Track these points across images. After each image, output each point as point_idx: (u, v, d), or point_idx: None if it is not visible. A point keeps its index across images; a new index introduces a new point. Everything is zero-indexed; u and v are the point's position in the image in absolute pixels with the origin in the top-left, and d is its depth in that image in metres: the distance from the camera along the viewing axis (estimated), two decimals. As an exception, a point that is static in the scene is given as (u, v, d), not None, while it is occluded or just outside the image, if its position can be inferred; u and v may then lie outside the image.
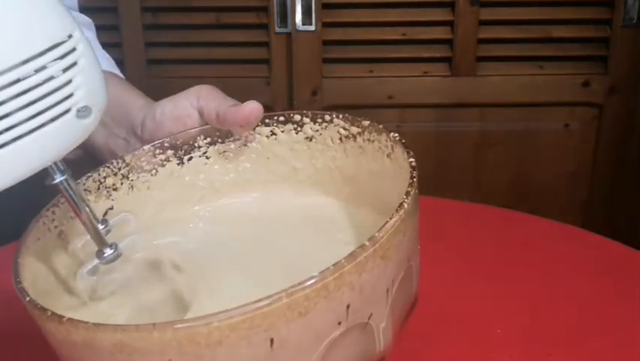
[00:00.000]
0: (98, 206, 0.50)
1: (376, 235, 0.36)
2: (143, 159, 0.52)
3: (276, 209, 0.54)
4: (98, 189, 0.50)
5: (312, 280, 0.34)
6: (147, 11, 1.45)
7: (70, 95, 0.37)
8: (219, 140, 0.54)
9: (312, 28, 1.43)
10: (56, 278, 0.46)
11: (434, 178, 1.53)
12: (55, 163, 0.39)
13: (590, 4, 1.44)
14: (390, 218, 0.37)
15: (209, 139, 0.54)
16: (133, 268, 0.47)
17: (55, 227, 0.46)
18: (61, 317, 0.35)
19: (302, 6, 1.41)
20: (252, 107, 0.51)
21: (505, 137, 1.52)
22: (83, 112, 0.38)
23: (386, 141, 0.48)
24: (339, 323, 0.36)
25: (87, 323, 0.34)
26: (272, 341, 0.34)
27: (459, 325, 0.53)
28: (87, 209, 0.42)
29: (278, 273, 0.47)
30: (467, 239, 0.66)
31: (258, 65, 1.48)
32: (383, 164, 0.48)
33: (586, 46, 1.46)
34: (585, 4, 1.44)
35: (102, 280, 0.47)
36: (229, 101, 0.53)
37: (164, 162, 0.53)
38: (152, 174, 0.53)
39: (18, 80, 0.34)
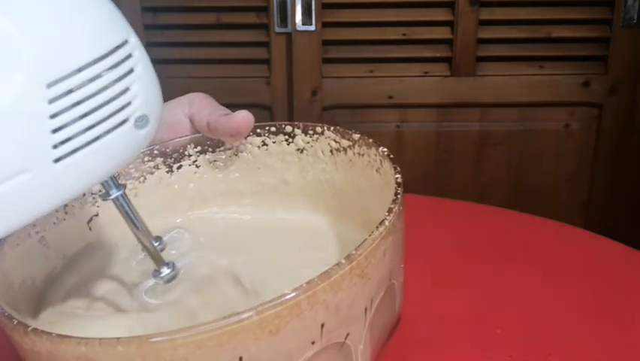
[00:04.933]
0: (83, 212, 0.49)
1: (353, 252, 0.35)
2: (131, 165, 0.52)
3: (265, 221, 0.53)
4: (84, 195, 0.49)
5: (284, 298, 0.33)
6: (147, 11, 1.45)
7: (127, 105, 0.35)
8: (210, 149, 0.53)
9: (312, 28, 1.43)
10: (37, 285, 0.45)
11: (434, 178, 1.53)
12: (110, 178, 0.38)
13: (590, 4, 1.44)
14: (370, 235, 0.36)
15: (199, 148, 0.53)
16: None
17: (37, 233, 0.45)
18: (26, 326, 0.34)
19: (302, 6, 1.41)
20: (243, 117, 0.50)
21: (505, 137, 1.52)
22: (141, 121, 0.36)
23: (375, 155, 0.47)
24: (313, 343, 0.35)
25: (51, 334, 0.33)
26: (240, 359, 0.33)
27: (459, 325, 0.53)
28: (145, 226, 0.40)
29: (256, 287, 0.46)
30: (467, 239, 0.66)
31: (258, 65, 1.48)
32: (372, 178, 0.48)
33: (586, 46, 1.46)
34: (585, 4, 1.44)
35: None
36: (221, 110, 0.52)
37: (153, 170, 0.53)
38: (140, 182, 0.52)
39: (72, 90, 0.32)
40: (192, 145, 0.53)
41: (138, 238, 0.40)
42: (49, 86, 0.32)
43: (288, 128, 0.52)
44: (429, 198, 0.75)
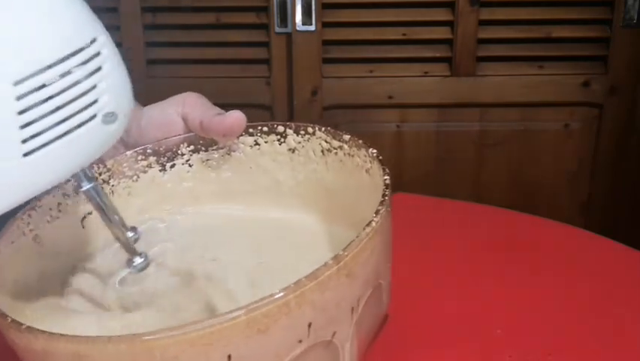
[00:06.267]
0: (77, 210, 0.49)
1: (340, 253, 0.36)
2: (124, 164, 0.52)
3: (257, 220, 0.54)
4: (77, 193, 0.49)
5: (273, 298, 0.33)
6: (147, 11, 1.45)
7: (95, 102, 0.36)
8: (203, 148, 0.54)
9: (312, 28, 1.43)
10: (30, 283, 0.45)
11: (434, 178, 1.53)
12: (82, 170, 0.39)
13: (590, 4, 1.44)
14: (357, 236, 0.37)
15: (192, 147, 0.53)
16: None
17: (31, 230, 0.46)
18: (20, 324, 0.35)
19: (302, 6, 1.41)
20: (236, 117, 0.51)
21: (505, 137, 1.52)
22: (109, 118, 0.37)
23: (365, 156, 0.47)
24: (300, 341, 0.36)
25: (45, 332, 0.34)
26: (229, 357, 0.34)
27: (459, 325, 0.53)
28: (117, 217, 0.41)
29: (246, 286, 0.46)
30: (467, 239, 0.66)
31: (258, 65, 1.48)
32: (362, 179, 0.48)
33: (586, 46, 1.46)
34: (585, 4, 1.44)
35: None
36: (214, 110, 0.52)
37: (146, 169, 0.53)
38: (133, 180, 0.53)
39: (43, 86, 0.33)
40: (185, 144, 0.54)
41: (110, 229, 0.42)
42: (16, 83, 0.33)
43: (280, 129, 0.52)
44: (429, 198, 0.75)
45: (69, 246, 0.49)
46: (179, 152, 0.53)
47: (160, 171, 0.53)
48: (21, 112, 0.33)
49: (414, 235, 0.67)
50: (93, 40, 0.36)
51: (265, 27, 1.45)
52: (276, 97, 1.49)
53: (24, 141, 0.33)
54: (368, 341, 0.43)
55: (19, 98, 0.33)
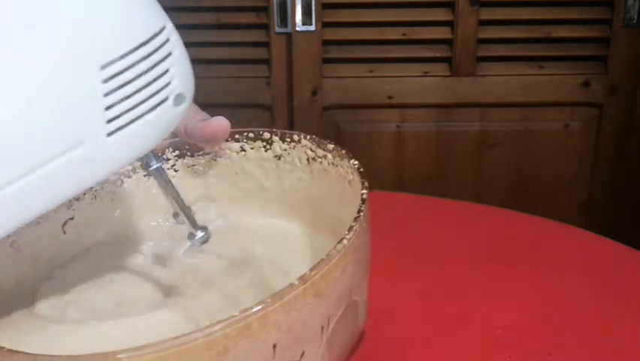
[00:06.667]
0: (58, 216, 0.49)
1: (307, 273, 0.35)
2: None
3: (240, 227, 0.53)
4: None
5: (232, 320, 0.32)
6: (147, 11, 1.45)
7: (167, 84, 0.39)
8: (188, 153, 0.54)
9: (312, 28, 1.43)
10: (5, 289, 0.45)
11: (434, 178, 1.53)
12: (151, 151, 0.41)
13: (590, 4, 1.44)
14: (327, 255, 0.36)
15: (177, 152, 0.53)
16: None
17: (8, 236, 0.44)
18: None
19: (302, 6, 1.41)
20: (219, 123, 0.51)
21: (505, 137, 1.52)
22: (179, 99, 0.40)
23: (347, 167, 0.47)
24: None
25: (2, 348, 0.33)
26: None
27: (459, 325, 0.53)
28: (178, 195, 0.44)
29: (223, 293, 0.46)
30: (467, 239, 0.66)
31: (258, 65, 1.48)
32: (344, 190, 0.48)
33: (586, 46, 1.46)
34: (585, 4, 1.44)
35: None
36: (199, 115, 0.52)
37: (131, 173, 0.53)
38: (117, 185, 0.52)
39: (125, 70, 0.36)
40: (171, 149, 0.54)
41: (175, 203, 0.44)
42: (103, 67, 0.36)
43: (266, 135, 0.53)
44: (429, 198, 0.75)
45: (48, 252, 0.48)
46: (164, 157, 0.53)
47: (145, 176, 0.53)
48: (106, 94, 0.36)
49: (414, 235, 0.67)
50: (163, 28, 0.39)
51: (265, 27, 1.45)
52: (276, 97, 1.49)
53: (108, 122, 0.36)
54: (343, 358, 0.42)
55: (105, 80, 0.36)
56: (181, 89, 0.39)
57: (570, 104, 1.49)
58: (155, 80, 0.38)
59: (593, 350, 0.50)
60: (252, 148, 0.53)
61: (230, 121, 0.54)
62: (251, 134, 0.53)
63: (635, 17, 1.41)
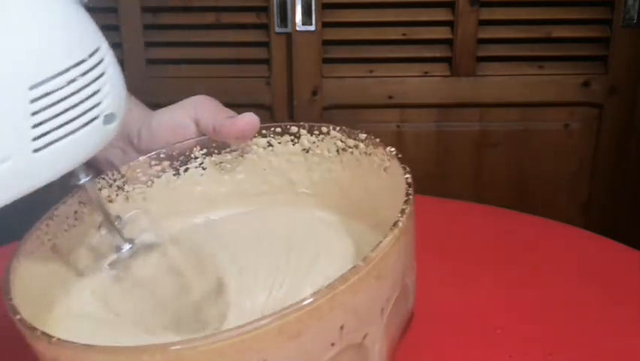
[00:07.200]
0: (92, 219, 0.49)
1: (370, 254, 0.36)
2: (138, 170, 0.52)
3: (273, 221, 0.54)
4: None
5: (305, 303, 0.33)
6: (147, 11, 1.45)
7: (98, 104, 0.39)
8: (215, 151, 0.54)
9: (312, 28, 1.43)
10: (51, 290, 0.46)
11: (434, 178, 1.53)
12: (80, 166, 0.41)
13: (590, 4, 1.44)
14: (385, 237, 0.37)
15: (205, 150, 0.53)
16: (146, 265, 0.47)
17: (49, 240, 0.46)
18: (50, 337, 0.35)
19: (302, 6, 1.41)
20: (248, 120, 0.51)
21: (505, 137, 1.52)
22: (109, 118, 0.40)
23: (382, 155, 0.47)
24: (333, 345, 0.36)
25: (75, 343, 0.34)
26: None
27: (459, 325, 0.53)
28: (106, 209, 0.44)
29: (277, 275, 0.47)
30: (467, 239, 0.66)
31: (258, 65, 1.48)
32: (379, 178, 0.48)
33: (586, 46, 1.46)
34: (585, 4, 1.44)
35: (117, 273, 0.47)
36: (225, 113, 0.52)
37: (160, 173, 0.53)
38: (147, 185, 0.53)
39: (54, 90, 0.37)
40: (198, 147, 0.54)
41: (105, 218, 0.44)
42: (32, 88, 0.36)
43: (294, 129, 0.52)
44: (429, 198, 0.75)
45: (86, 252, 0.49)
46: (192, 155, 0.54)
47: (174, 175, 0.53)
48: (34, 113, 0.36)
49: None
50: (97, 49, 0.39)
51: (265, 27, 1.45)
52: (276, 97, 1.49)
53: (34, 139, 0.37)
54: (396, 340, 0.43)
55: (33, 101, 0.36)
56: (112, 108, 0.40)
57: (570, 104, 1.49)
58: (85, 99, 0.38)
59: (593, 350, 0.50)
60: (279, 143, 0.53)
61: None
62: (278, 129, 0.53)
63: (635, 17, 1.41)
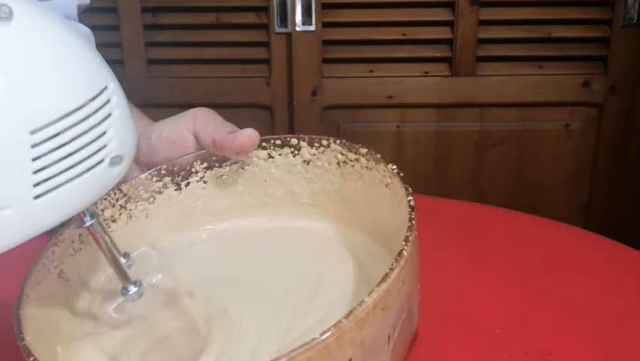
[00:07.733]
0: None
1: (376, 288, 0.36)
2: (140, 187, 0.52)
3: (275, 233, 0.54)
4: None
5: (313, 343, 0.34)
6: (147, 11, 1.45)
7: (104, 147, 0.37)
8: (216, 164, 0.54)
9: (312, 28, 1.43)
10: (60, 319, 0.45)
11: (434, 178, 1.53)
12: (86, 208, 0.39)
13: (590, 4, 1.44)
14: (391, 270, 0.37)
15: (205, 164, 0.53)
16: (150, 298, 0.47)
17: (55, 267, 0.46)
18: None
19: (302, 6, 1.41)
20: (249, 136, 0.51)
21: (505, 137, 1.52)
22: (116, 160, 0.38)
23: (384, 171, 0.48)
24: None
25: None
26: None
27: (459, 325, 0.53)
28: (114, 249, 0.42)
29: (282, 303, 0.46)
30: (467, 239, 0.66)
31: (258, 65, 1.48)
32: (381, 193, 0.48)
33: (586, 46, 1.46)
34: (585, 4, 1.44)
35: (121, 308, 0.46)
36: (226, 127, 0.52)
37: (162, 189, 0.53)
38: (149, 202, 0.53)
39: (57, 134, 0.35)
40: (199, 162, 0.53)
41: (110, 262, 0.43)
42: (33, 132, 0.34)
43: (294, 141, 0.52)
44: (429, 198, 0.75)
45: (94, 276, 0.49)
46: (192, 170, 0.53)
47: (175, 190, 0.53)
48: (35, 159, 0.34)
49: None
50: (104, 89, 0.37)
51: (265, 27, 1.45)
52: (276, 97, 1.49)
53: (35, 185, 0.35)
54: (403, 355, 0.44)
55: (34, 146, 0.34)
56: (119, 151, 0.38)
57: (570, 104, 1.49)
58: (90, 142, 0.36)
59: (593, 350, 0.50)
60: (279, 155, 0.53)
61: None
62: (278, 141, 0.53)
63: (635, 17, 1.41)
